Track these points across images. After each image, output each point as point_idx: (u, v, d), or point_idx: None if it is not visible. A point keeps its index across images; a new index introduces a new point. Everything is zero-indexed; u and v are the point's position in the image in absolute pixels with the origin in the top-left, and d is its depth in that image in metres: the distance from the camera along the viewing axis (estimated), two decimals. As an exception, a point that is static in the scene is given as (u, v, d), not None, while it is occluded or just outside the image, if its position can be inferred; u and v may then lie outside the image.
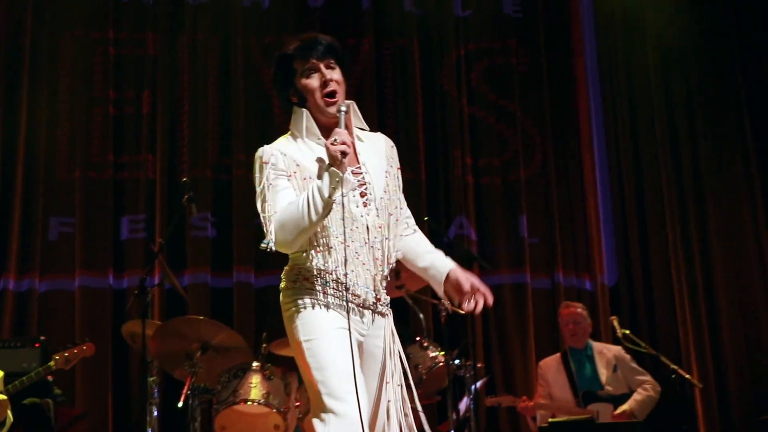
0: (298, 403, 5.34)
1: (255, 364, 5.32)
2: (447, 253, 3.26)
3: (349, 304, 2.95)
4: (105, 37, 7.22)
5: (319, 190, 2.88)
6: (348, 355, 2.86)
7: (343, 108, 3.02)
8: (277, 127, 7.34)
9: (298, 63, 3.11)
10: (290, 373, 5.76)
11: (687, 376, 5.73)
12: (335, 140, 2.91)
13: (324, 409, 2.86)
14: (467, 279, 3.09)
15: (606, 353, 6.19)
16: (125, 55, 7.28)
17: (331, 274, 2.98)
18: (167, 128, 7.17)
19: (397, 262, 3.18)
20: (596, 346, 6.25)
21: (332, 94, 3.08)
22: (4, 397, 4.84)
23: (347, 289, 2.95)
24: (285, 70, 3.13)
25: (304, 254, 3.01)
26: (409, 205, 3.31)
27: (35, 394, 5.12)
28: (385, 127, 7.48)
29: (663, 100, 7.70)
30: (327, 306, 2.96)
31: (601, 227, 7.61)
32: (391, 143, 3.28)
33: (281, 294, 3.07)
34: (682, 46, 7.77)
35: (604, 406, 5.99)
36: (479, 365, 6.03)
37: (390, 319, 3.11)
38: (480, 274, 7.14)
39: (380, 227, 3.06)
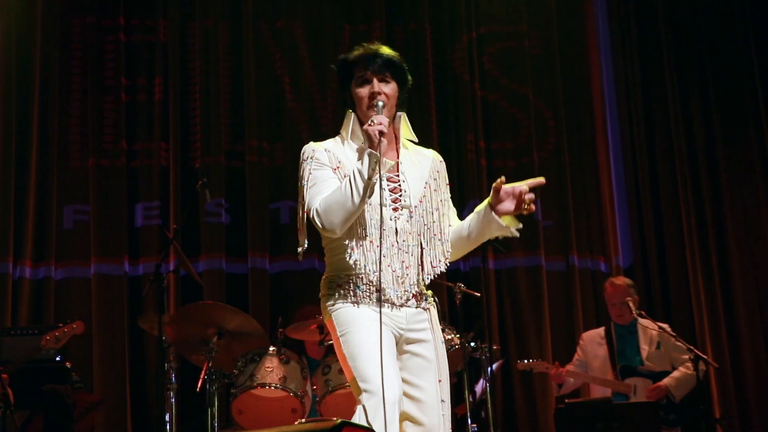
0: (314, 387, 5.35)
1: (271, 348, 5.35)
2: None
3: (380, 302, 3.09)
4: (116, 23, 7.20)
5: (359, 172, 3.02)
6: (378, 343, 3.00)
7: (380, 102, 3.17)
8: (288, 112, 7.35)
9: (356, 70, 3.26)
10: (306, 358, 5.79)
11: (702, 356, 5.69)
12: (372, 122, 3.08)
13: (359, 392, 3.02)
14: (503, 193, 3.24)
15: (650, 330, 6.11)
16: (136, 42, 7.28)
17: (361, 277, 3.12)
18: (179, 115, 7.16)
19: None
20: (642, 322, 6.12)
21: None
22: None
23: (378, 290, 3.09)
24: (345, 73, 3.28)
25: (336, 258, 3.16)
26: None
27: (54, 381, 5.16)
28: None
29: (677, 81, 7.64)
30: (358, 303, 3.12)
31: (616, 209, 7.59)
32: (440, 158, 3.42)
33: (321, 302, 3.23)
34: (694, 22, 7.71)
35: (643, 380, 5.95)
36: (495, 347, 6.04)
37: (432, 312, 3.24)
38: (494, 257, 7.20)
39: (410, 234, 3.17)
